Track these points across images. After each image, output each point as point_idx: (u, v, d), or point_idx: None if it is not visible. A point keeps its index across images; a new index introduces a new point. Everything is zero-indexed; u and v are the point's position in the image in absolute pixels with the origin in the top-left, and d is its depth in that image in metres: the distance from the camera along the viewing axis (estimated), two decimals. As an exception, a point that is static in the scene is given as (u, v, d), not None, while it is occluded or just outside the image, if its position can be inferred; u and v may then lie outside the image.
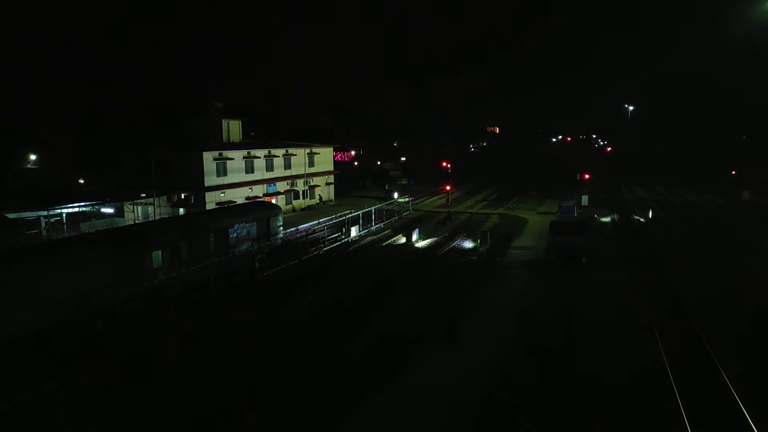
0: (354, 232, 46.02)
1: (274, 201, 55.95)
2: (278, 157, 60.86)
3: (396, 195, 68.04)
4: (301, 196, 64.11)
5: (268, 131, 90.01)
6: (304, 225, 50.70)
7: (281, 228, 38.35)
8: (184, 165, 50.72)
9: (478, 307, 27.67)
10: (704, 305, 27.24)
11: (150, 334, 23.67)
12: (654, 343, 22.33)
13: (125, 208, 48.63)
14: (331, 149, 73.65)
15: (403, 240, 44.49)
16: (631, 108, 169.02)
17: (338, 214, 51.95)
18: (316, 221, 52.28)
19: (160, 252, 26.78)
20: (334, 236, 45.18)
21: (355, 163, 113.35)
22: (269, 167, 59.47)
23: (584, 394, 18.40)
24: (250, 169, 56.52)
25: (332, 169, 72.23)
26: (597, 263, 36.39)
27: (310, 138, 76.96)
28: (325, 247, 41.53)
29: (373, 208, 53.12)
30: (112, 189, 54.48)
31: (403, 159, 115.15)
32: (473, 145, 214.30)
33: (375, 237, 46.39)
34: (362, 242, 44.25)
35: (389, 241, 44.39)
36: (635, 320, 25.30)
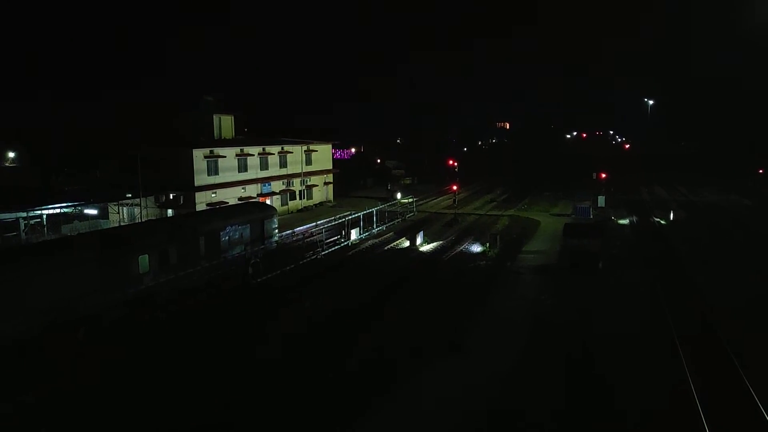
0: (354, 235, 45.99)
1: (268, 202, 55.96)
2: (273, 155, 60.90)
3: (399, 195, 68.00)
4: (297, 197, 64.13)
5: (263, 128, 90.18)
6: (301, 227, 50.71)
7: (276, 230, 38.35)
8: (172, 163, 50.78)
9: (487, 315, 27.59)
10: (731, 316, 27.05)
11: (137, 341, 23.63)
12: (677, 357, 22.20)
13: (110, 210, 48.67)
14: (330, 146, 73.74)
15: (407, 243, 44.40)
16: (651, 102, 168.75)
17: (337, 216, 51.92)
18: (314, 223, 52.27)
19: (147, 256, 26.76)
20: (332, 239, 45.17)
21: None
22: (264, 166, 59.52)
23: (601, 411, 18.30)
24: (243, 167, 56.58)
25: (331, 167, 72.25)
26: (614, 268, 36.25)
27: (309, 135, 77.03)
28: (323, 251, 41.50)
29: (374, 210, 53.03)
30: (96, 189, 54.55)
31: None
32: (482, 142, 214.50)
33: (377, 240, 46.34)
34: (363, 246, 44.20)
35: (392, 245, 44.34)
36: (656, 332, 25.11)
